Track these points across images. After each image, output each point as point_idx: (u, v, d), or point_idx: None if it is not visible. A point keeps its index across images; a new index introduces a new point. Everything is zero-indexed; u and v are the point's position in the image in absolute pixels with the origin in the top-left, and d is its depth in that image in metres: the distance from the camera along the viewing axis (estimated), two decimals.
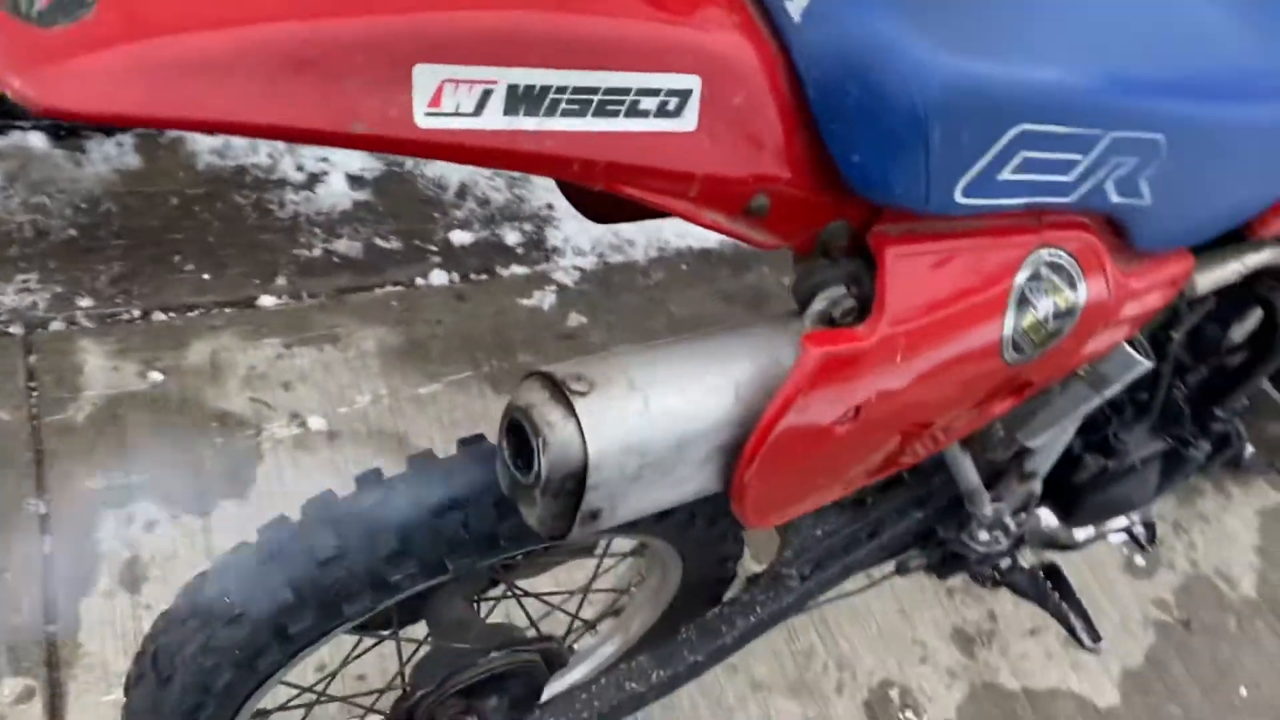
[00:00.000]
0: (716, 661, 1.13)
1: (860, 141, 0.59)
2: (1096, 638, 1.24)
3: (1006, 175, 0.65)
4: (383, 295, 1.86)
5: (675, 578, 1.19)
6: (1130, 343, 0.92)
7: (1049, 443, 1.08)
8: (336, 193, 1.97)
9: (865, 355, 0.64)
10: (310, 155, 2.02)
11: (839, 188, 0.63)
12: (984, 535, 1.16)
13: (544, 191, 2.09)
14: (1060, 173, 0.68)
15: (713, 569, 1.17)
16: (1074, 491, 1.20)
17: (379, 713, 1.14)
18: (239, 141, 2.01)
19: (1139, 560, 1.83)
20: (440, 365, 1.79)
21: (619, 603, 1.29)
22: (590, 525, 0.63)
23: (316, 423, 1.66)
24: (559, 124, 0.52)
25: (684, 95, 0.55)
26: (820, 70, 0.58)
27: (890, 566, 1.25)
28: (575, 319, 1.91)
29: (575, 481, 0.60)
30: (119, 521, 1.49)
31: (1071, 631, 1.24)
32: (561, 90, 0.52)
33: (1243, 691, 1.71)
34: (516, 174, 2.10)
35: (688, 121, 0.56)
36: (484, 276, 1.94)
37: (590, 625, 1.28)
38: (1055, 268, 0.75)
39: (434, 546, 0.85)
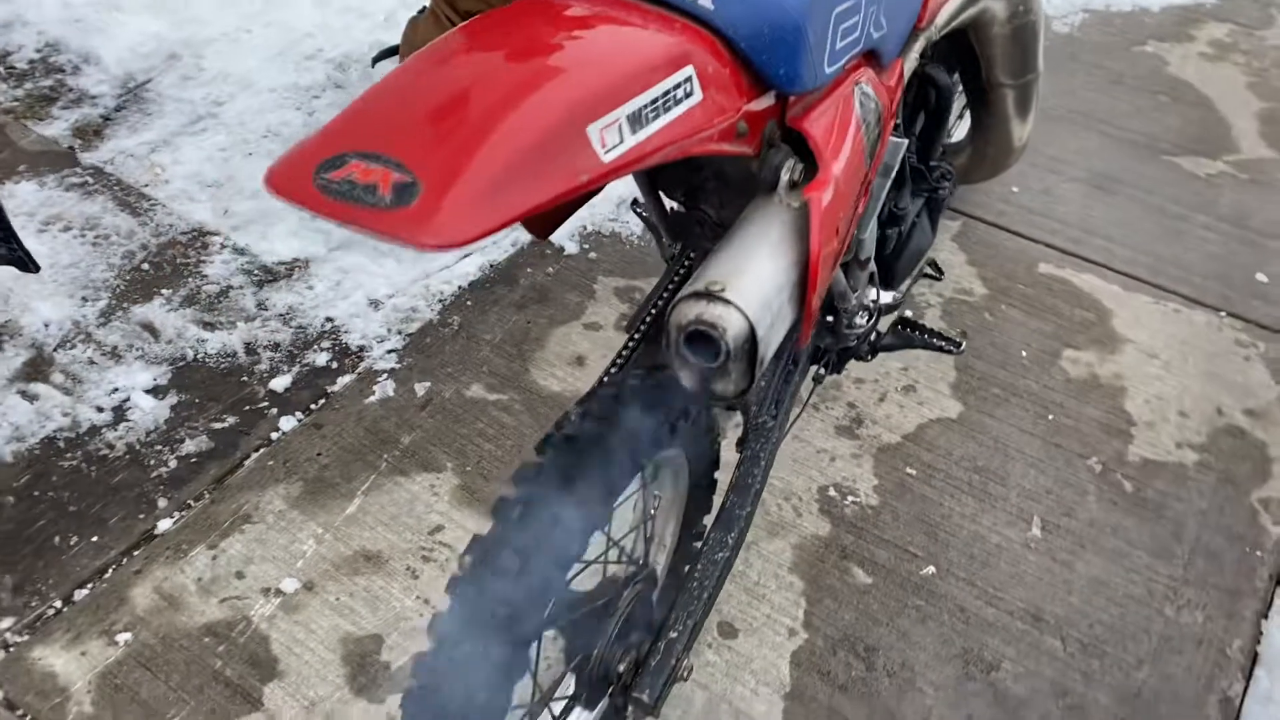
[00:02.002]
0: (757, 504, 1.45)
1: (779, 58, 0.93)
2: (958, 344, 1.68)
3: (838, 46, 1.01)
4: (256, 463, 1.97)
5: (684, 479, 1.49)
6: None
7: (869, 232, 1.48)
8: (148, 409, 2.03)
9: (831, 185, 0.98)
10: (100, 391, 2.06)
11: (767, 97, 0.96)
12: (859, 320, 1.55)
13: (321, 309, 2.25)
14: (854, 32, 1.05)
15: (707, 457, 1.48)
16: (887, 262, 1.63)
17: (559, 699, 1.36)
18: (23, 419, 2.00)
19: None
20: (347, 484, 1.94)
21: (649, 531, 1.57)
22: (760, 370, 0.93)
23: (289, 584, 1.78)
24: (654, 126, 0.81)
25: (690, 80, 0.86)
26: (744, 29, 0.91)
27: (809, 385, 1.62)
28: (420, 388, 2.11)
29: (749, 343, 0.90)
30: None
31: (941, 349, 1.67)
32: (644, 106, 0.81)
33: (1023, 354, 2.27)
34: (290, 315, 2.25)
35: (697, 95, 0.87)
36: (323, 401, 2.08)
37: (644, 560, 1.55)
38: (865, 94, 1.12)
39: None
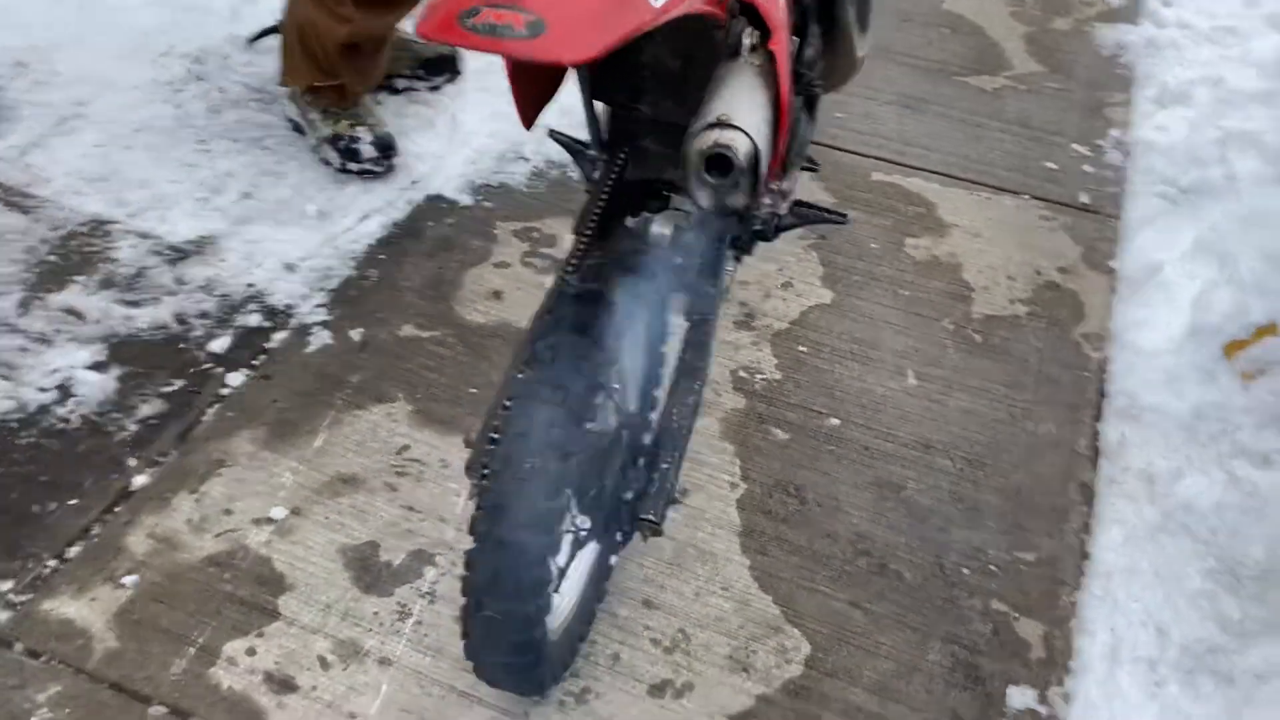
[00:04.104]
0: (710, 358, 1.71)
1: None
2: (844, 215, 1.99)
3: None
4: (215, 416, 2.08)
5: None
6: None
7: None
8: (93, 383, 2.10)
9: (783, 43, 1.26)
10: (39, 374, 2.11)
11: None
12: (765, 203, 1.83)
13: (240, 277, 2.37)
14: None
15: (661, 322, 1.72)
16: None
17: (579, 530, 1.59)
18: None
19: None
20: (309, 422, 2.08)
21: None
22: (762, 185, 1.19)
23: (278, 512, 1.92)
24: None
25: None
26: None
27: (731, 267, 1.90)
28: (355, 334, 2.27)
29: (754, 160, 1.17)
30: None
31: (832, 221, 1.97)
32: None
33: (874, 246, 2.63)
34: (211, 285, 2.35)
35: None
36: (264, 356, 2.21)
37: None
38: None
39: None
